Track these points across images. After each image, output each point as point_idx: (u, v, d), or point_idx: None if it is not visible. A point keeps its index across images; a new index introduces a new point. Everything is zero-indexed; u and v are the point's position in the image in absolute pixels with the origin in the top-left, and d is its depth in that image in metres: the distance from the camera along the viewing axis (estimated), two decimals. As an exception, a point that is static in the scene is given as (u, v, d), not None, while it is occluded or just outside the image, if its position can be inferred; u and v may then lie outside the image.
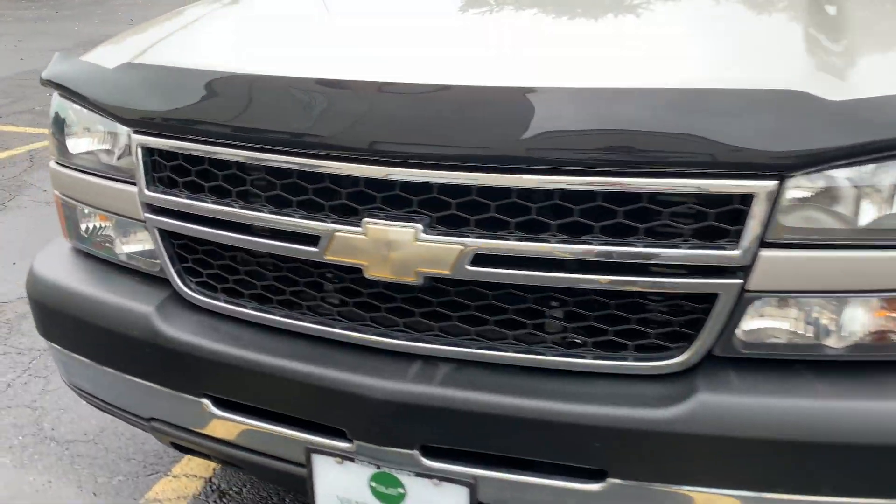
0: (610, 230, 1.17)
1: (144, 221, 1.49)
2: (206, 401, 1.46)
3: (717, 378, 1.20)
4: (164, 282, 1.53)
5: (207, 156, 1.37)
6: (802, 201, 1.11)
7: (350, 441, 1.34)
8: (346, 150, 1.24)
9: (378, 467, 1.34)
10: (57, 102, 1.63)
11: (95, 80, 1.52)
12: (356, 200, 1.27)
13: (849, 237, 1.11)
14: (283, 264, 1.39)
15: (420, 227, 1.21)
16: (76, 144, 1.59)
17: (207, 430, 1.50)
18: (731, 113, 1.12)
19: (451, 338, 1.30)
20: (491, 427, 1.25)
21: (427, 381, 1.27)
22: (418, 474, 1.32)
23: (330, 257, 1.29)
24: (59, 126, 1.60)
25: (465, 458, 1.30)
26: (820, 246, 1.12)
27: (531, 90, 1.18)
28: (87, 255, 1.68)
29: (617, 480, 1.22)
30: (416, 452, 1.30)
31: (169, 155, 1.42)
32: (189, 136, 1.38)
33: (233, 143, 1.33)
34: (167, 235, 1.47)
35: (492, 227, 1.20)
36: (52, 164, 1.67)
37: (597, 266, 1.18)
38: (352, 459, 1.36)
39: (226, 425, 1.46)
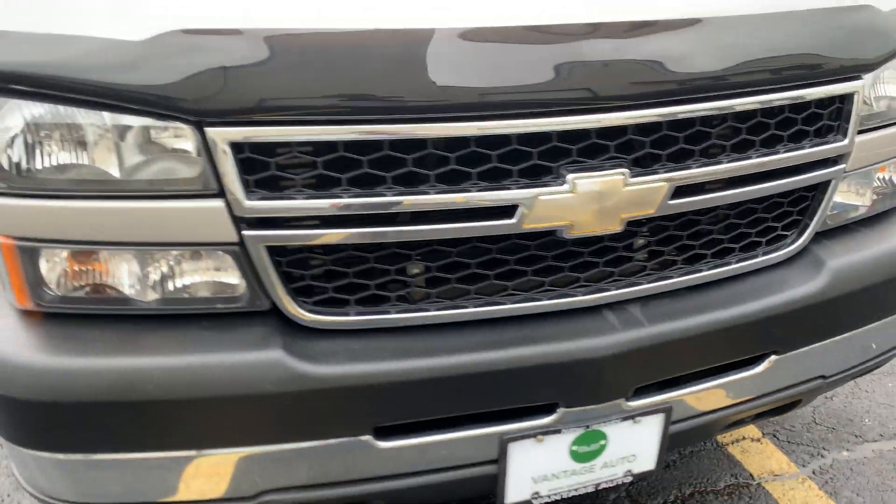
0: (766, 142, 1.30)
1: (229, 244, 1.11)
2: (366, 437, 1.20)
3: (824, 250, 1.46)
4: (236, 318, 1.18)
5: (343, 138, 1.08)
6: (881, 93, 1.39)
7: (553, 413, 1.27)
8: (545, 104, 1.12)
9: (587, 427, 1.30)
10: (11, 107, 1.06)
11: (118, 61, 1.04)
12: (550, 158, 1.16)
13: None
14: (448, 249, 1.20)
15: (627, 171, 1.18)
16: (64, 159, 1.08)
17: (370, 471, 1.24)
18: (830, 28, 1.33)
19: (628, 279, 1.31)
20: (692, 347, 1.32)
21: (636, 325, 1.27)
22: (623, 419, 1.32)
23: (529, 225, 1.17)
24: (26, 141, 1.06)
25: (661, 388, 1.35)
26: (889, 125, 1.43)
27: (704, 21, 1.22)
28: (52, 319, 1.17)
29: (775, 357, 1.42)
30: (622, 400, 1.30)
31: (269, 149, 1.08)
32: (312, 119, 1.07)
33: (385, 117, 1.08)
34: (273, 252, 1.13)
35: (680, 160, 1.24)
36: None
37: (756, 177, 1.31)
38: (557, 431, 1.29)
39: (398, 453, 1.23)
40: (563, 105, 1.13)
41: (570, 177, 1.15)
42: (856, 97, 1.35)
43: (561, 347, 1.22)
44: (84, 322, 1.18)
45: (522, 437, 1.28)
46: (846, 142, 1.37)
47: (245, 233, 1.10)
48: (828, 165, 1.38)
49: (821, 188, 1.41)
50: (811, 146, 1.34)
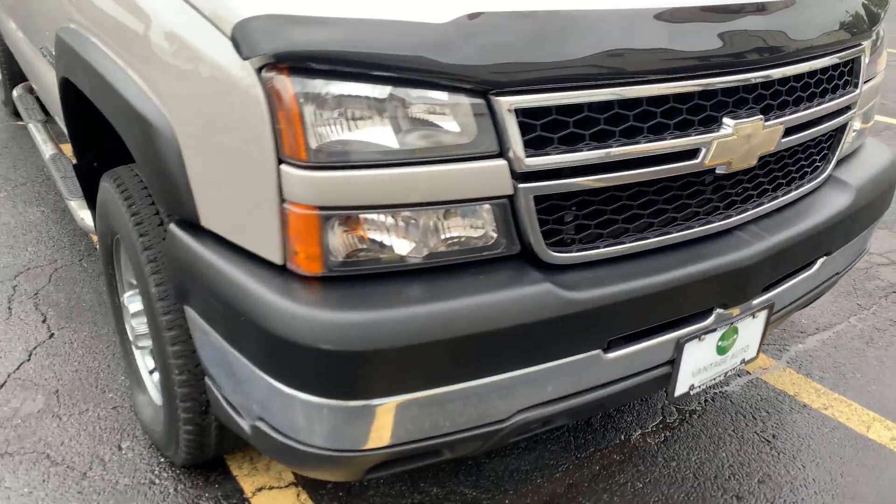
0: (826, 92, 1.73)
1: (501, 197, 1.30)
2: (598, 351, 1.45)
3: (840, 175, 1.93)
4: (492, 263, 1.36)
5: (588, 101, 1.32)
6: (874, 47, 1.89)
7: (710, 316, 1.60)
8: (723, 66, 1.44)
9: (730, 324, 1.65)
10: (300, 85, 1.16)
11: (418, 41, 1.17)
12: (716, 109, 1.48)
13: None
14: (647, 189, 1.47)
15: (762, 117, 1.54)
16: (364, 134, 1.20)
17: (595, 381, 1.49)
18: (857, 8, 1.79)
19: (751, 203, 1.67)
20: (791, 253, 1.71)
21: (762, 238, 1.64)
22: (750, 315, 1.69)
23: (708, 163, 1.48)
24: (344, 115, 1.17)
25: (768, 288, 1.73)
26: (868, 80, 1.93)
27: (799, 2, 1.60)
28: (333, 282, 1.28)
29: (824, 258, 1.87)
30: (753, 300, 1.67)
31: (539, 112, 1.28)
32: (571, 85, 1.29)
33: (620, 80, 1.33)
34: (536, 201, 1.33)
35: (786, 108, 1.62)
36: (304, 173, 1.19)
37: (821, 119, 1.74)
38: (713, 330, 1.62)
39: (615, 363, 1.49)
40: (727, 66, 1.45)
41: (732, 123, 1.48)
42: (863, 57, 1.83)
43: (723, 260, 1.55)
44: (356, 281, 1.29)
45: (691, 339, 1.59)
46: (858, 91, 1.85)
47: (520, 185, 1.30)
48: (849, 109, 1.85)
49: (841, 128, 1.88)
50: (846, 94, 1.79)
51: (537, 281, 1.34)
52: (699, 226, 1.58)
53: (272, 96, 1.18)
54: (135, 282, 1.98)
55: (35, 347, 2.56)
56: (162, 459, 2.07)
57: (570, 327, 1.37)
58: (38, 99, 3.84)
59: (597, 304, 1.38)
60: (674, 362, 1.60)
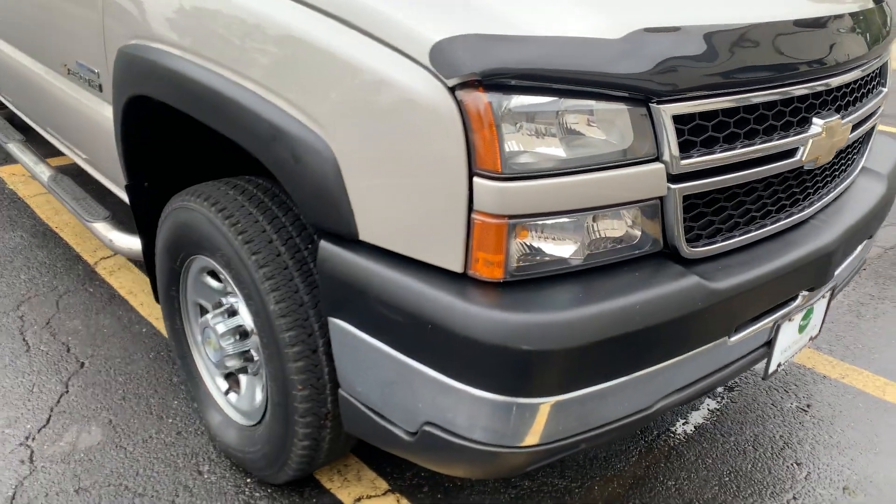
0: (870, 92, 1.93)
1: (655, 198, 1.40)
2: (725, 338, 1.58)
3: (870, 164, 2.15)
4: (639, 261, 1.46)
5: (731, 106, 1.44)
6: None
7: (797, 298, 1.77)
8: (814, 76, 1.60)
9: (811, 305, 1.82)
10: (496, 101, 1.22)
11: (598, 56, 1.25)
12: (808, 111, 1.64)
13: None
14: (757, 185, 1.61)
15: (839, 115, 1.71)
16: (549, 144, 1.27)
17: (718, 364, 1.61)
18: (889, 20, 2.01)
19: (823, 193, 1.84)
20: (851, 236, 1.89)
21: (833, 225, 1.81)
22: (822, 296, 1.87)
23: (805, 160, 1.64)
24: (513, 127, 1.23)
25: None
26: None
27: (853, 14, 1.79)
28: (508, 287, 1.35)
29: (867, 240, 2.08)
30: (829, 282, 1.85)
31: (687, 118, 1.39)
32: (717, 92, 1.41)
33: (753, 88, 1.46)
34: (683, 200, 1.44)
35: (850, 107, 1.80)
36: (497, 184, 1.24)
37: (868, 117, 1.94)
38: (801, 310, 1.79)
39: (735, 346, 1.62)
40: (818, 72, 1.62)
41: (821, 122, 1.65)
42: (889, 60, 2.06)
43: (814, 246, 1.71)
44: (528, 285, 1.36)
45: (785, 320, 1.75)
46: (886, 90, 2.08)
47: (673, 186, 1.40)
48: (880, 107, 2.07)
49: (874, 124, 2.10)
50: (881, 93, 2.01)
51: (685, 275, 1.45)
52: (787, 218, 1.74)
53: (467, 112, 1.23)
54: (222, 301, 1.95)
55: (69, 378, 2.44)
56: (249, 480, 2.04)
57: (713, 316, 1.49)
58: (9, 118, 3.62)
59: (735, 291, 1.50)
60: (770, 342, 1.76)
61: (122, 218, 2.58)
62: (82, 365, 2.51)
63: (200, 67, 1.63)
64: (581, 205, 1.33)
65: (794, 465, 2.19)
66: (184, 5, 1.71)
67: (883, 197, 2.04)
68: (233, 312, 1.93)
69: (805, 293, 1.77)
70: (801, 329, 1.86)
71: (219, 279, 1.98)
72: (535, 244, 1.33)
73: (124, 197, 2.35)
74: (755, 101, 1.48)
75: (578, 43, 1.26)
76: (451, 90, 1.23)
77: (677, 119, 1.37)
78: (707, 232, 1.55)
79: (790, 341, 1.83)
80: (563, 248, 1.37)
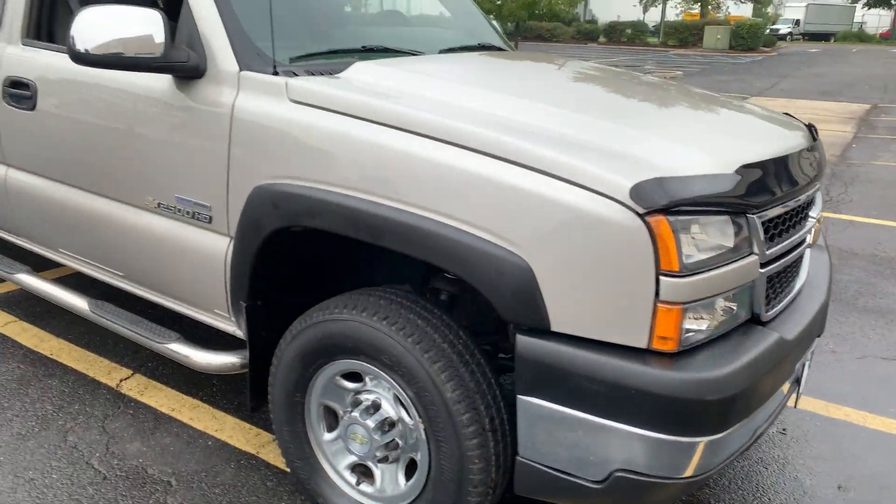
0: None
1: (748, 281, 1.96)
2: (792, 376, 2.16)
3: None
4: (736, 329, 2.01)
5: (777, 213, 2.06)
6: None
7: (813, 342, 2.41)
8: (810, 185, 2.28)
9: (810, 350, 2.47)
10: (675, 222, 1.73)
11: (726, 187, 1.82)
12: (806, 209, 2.32)
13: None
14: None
15: (816, 214, 2.42)
16: (705, 249, 1.80)
17: (780, 399, 2.18)
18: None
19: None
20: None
21: (819, 287, 2.49)
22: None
23: (811, 242, 2.30)
24: (684, 240, 1.76)
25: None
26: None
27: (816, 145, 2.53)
28: (678, 355, 1.84)
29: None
30: (817, 329, 2.51)
31: (765, 221, 1.99)
32: (771, 204, 2.02)
33: (763, 206, 2.08)
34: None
35: (786, 231, 2.52)
36: (676, 280, 1.74)
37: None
38: (809, 352, 2.43)
39: (789, 384, 2.21)
40: (812, 183, 2.31)
41: (815, 214, 2.34)
42: (818, 166, 2.85)
43: (819, 301, 2.37)
44: (685, 353, 1.85)
45: (805, 360, 2.38)
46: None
47: (762, 270, 1.97)
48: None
49: (813, 211, 2.86)
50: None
51: (769, 333, 2.01)
52: (798, 284, 2.39)
53: (654, 231, 1.72)
54: (360, 398, 2.22)
55: (166, 498, 2.51)
56: (392, 559, 2.27)
57: (789, 360, 2.06)
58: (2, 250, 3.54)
59: (797, 340, 2.09)
60: (799, 379, 2.37)
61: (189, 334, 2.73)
62: (170, 484, 2.59)
63: (387, 207, 1.98)
64: (717, 291, 1.86)
65: (793, 479, 2.80)
66: (365, 155, 2.04)
67: (829, 265, 2.79)
68: (377, 407, 2.21)
69: (816, 338, 2.42)
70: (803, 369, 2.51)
71: (355, 380, 2.26)
72: (688, 324, 1.83)
73: (206, 319, 2.56)
74: (791, 206, 2.13)
75: (715, 177, 1.82)
76: (642, 216, 1.73)
77: (763, 223, 1.96)
78: (772, 301, 2.14)
79: (803, 379, 2.46)
80: (701, 324, 1.88)
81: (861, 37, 61.42)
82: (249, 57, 2.32)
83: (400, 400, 2.17)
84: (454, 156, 1.92)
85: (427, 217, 1.93)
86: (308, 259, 2.51)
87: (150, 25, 2.25)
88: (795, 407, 2.64)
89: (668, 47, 39.04)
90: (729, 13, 51.38)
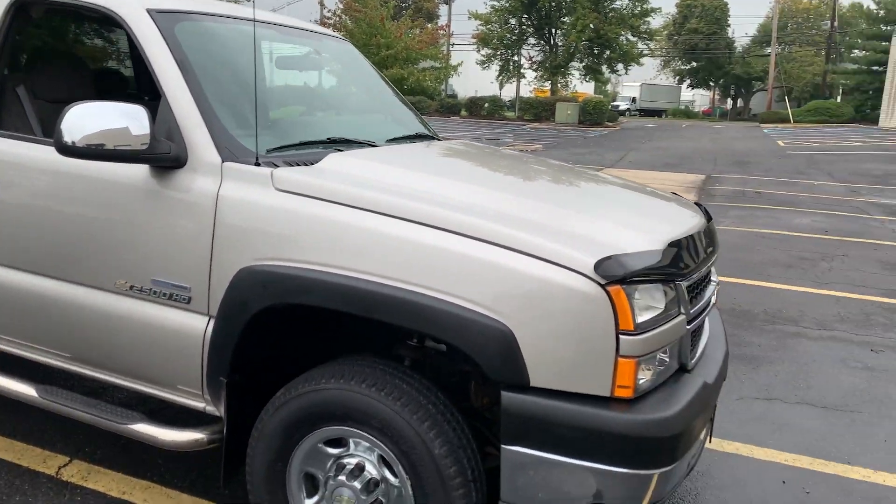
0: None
1: (679, 336, 2.39)
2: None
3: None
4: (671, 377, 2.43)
5: (694, 279, 2.52)
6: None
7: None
8: (703, 263, 2.78)
9: (720, 390, 2.94)
10: (629, 290, 2.12)
11: (661, 261, 2.23)
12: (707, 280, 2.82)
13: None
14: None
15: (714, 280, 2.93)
16: (649, 311, 2.20)
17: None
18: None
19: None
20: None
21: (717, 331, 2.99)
22: (719, 384, 3.02)
23: (714, 301, 2.78)
24: (636, 304, 2.15)
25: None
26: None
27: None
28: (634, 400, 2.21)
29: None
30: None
31: (688, 286, 2.43)
32: (691, 272, 2.48)
33: (685, 275, 2.54)
34: (686, 336, 2.44)
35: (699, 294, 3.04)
36: (632, 338, 2.12)
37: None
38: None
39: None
40: (709, 257, 2.81)
41: (714, 282, 2.83)
42: (705, 237, 3.43)
43: (722, 351, 2.85)
44: (639, 399, 2.22)
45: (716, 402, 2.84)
46: (706, 255, 3.43)
47: (688, 327, 2.40)
48: (706, 265, 3.40)
49: (703, 275, 3.41)
50: (711, 258, 3.34)
51: (696, 378, 2.43)
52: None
53: (613, 298, 2.10)
54: (344, 462, 2.40)
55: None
56: None
57: (710, 399, 2.49)
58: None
59: (715, 383, 2.53)
60: (712, 419, 2.81)
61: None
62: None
63: (382, 284, 2.23)
64: (659, 345, 2.26)
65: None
66: (356, 238, 2.28)
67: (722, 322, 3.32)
68: (361, 469, 2.40)
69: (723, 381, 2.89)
70: (715, 407, 2.97)
71: (337, 445, 2.44)
72: (640, 374, 2.21)
73: (168, 396, 2.64)
74: (703, 272, 2.60)
75: (654, 254, 2.24)
76: (603, 287, 2.10)
77: (687, 288, 2.40)
78: (693, 352, 2.58)
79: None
80: (648, 374, 2.26)
81: (688, 113, 68.88)
82: (231, 149, 2.52)
83: (384, 460, 2.37)
84: (441, 238, 2.22)
85: (419, 292, 2.20)
86: (282, 336, 2.67)
87: (135, 120, 2.40)
88: (710, 442, 3.07)
89: (524, 121, 41.84)
90: (575, 90, 55.90)
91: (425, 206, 2.29)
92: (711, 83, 70.14)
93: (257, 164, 2.49)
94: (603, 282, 2.10)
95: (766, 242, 9.21)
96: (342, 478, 2.41)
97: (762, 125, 44.35)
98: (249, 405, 2.57)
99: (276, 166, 2.51)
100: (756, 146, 27.50)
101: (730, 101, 72.96)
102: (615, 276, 2.10)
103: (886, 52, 45.77)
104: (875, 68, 48.27)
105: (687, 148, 26.15)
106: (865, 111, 47.11)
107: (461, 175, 2.84)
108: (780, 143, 29.16)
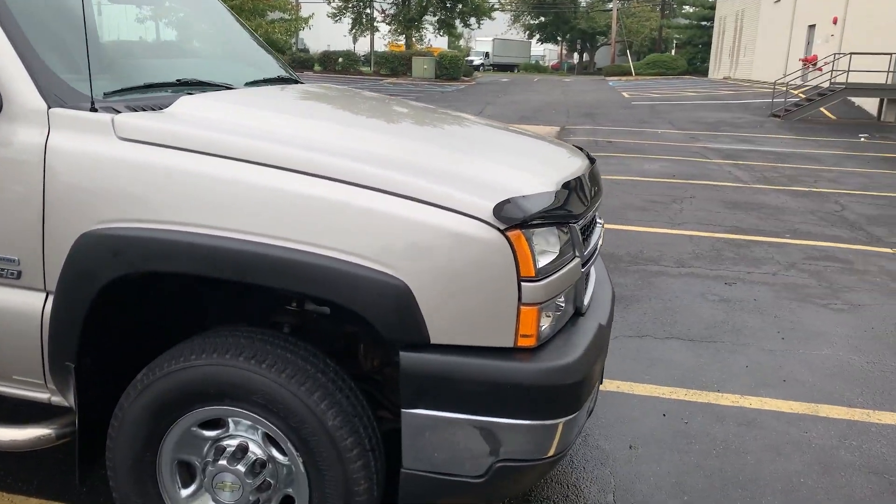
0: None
1: (575, 280, 2.31)
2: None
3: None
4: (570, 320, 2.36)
5: (585, 221, 2.44)
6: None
7: (605, 329, 2.86)
8: (592, 204, 2.73)
9: (608, 332, 2.94)
10: (529, 234, 1.99)
11: (556, 202, 2.11)
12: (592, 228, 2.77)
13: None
14: (588, 264, 2.64)
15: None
16: (547, 256, 2.08)
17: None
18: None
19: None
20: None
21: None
22: (606, 326, 3.02)
23: (601, 243, 2.74)
24: (537, 248, 2.03)
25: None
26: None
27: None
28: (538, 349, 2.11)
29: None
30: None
31: (581, 228, 2.35)
32: (583, 214, 2.40)
33: (578, 217, 2.47)
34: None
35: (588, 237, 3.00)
36: (534, 284, 2.00)
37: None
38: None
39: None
40: (596, 199, 2.76)
41: (600, 224, 2.79)
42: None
43: (609, 287, 2.83)
44: (542, 347, 2.13)
45: (605, 343, 2.83)
46: (586, 198, 3.40)
47: (583, 269, 2.33)
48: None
49: (584, 218, 3.39)
50: (591, 201, 3.31)
51: (593, 322, 2.38)
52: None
53: (513, 244, 1.96)
54: (224, 445, 2.14)
55: None
56: None
57: (606, 344, 2.45)
58: None
59: (608, 325, 2.49)
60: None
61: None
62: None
63: (255, 243, 1.95)
64: (559, 290, 2.16)
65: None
66: (221, 191, 1.98)
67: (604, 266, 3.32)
68: (244, 450, 2.15)
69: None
70: (603, 349, 2.96)
71: (214, 427, 2.17)
72: (542, 322, 2.11)
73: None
74: (591, 215, 2.54)
75: (549, 195, 2.12)
76: (502, 232, 1.95)
77: (580, 230, 2.32)
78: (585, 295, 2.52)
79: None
80: (548, 321, 2.16)
81: (539, 68, 70.73)
82: (59, 93, 2.11)
83: (270, 438, 2.14)
84: (318, 186, 1.97)
85: (300, 249, 1.95)
86: (138, 309, 2.33)
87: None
88: (601, 384, 3.08)
89: (381, 76, 41.11)
90: (430, 45, 55.62)
91: (296, 151, 2.03)
92: (559, 38, 72.30)
93: (93, 110, 2.10)
94: (502, 227, 1.96)
95: (620, 188, 9.59)
96: (223, 462, 2.15)
97: (607, 78, 46.39)
98: (106, 392, 2.23)
99: (118, 112, 2.13)
100: (603, 98, 28.73)
101: (576, 55, 75.67)
102: (515, 219, 1.96)
103: (713, 7, 49.20)
104: (704, 23, 51.80)
105: (540, 101, 26.82)
106: (697, 64, 50.58)
107: (332, 117, 2.58)
108: (624, 94, 30.65)
